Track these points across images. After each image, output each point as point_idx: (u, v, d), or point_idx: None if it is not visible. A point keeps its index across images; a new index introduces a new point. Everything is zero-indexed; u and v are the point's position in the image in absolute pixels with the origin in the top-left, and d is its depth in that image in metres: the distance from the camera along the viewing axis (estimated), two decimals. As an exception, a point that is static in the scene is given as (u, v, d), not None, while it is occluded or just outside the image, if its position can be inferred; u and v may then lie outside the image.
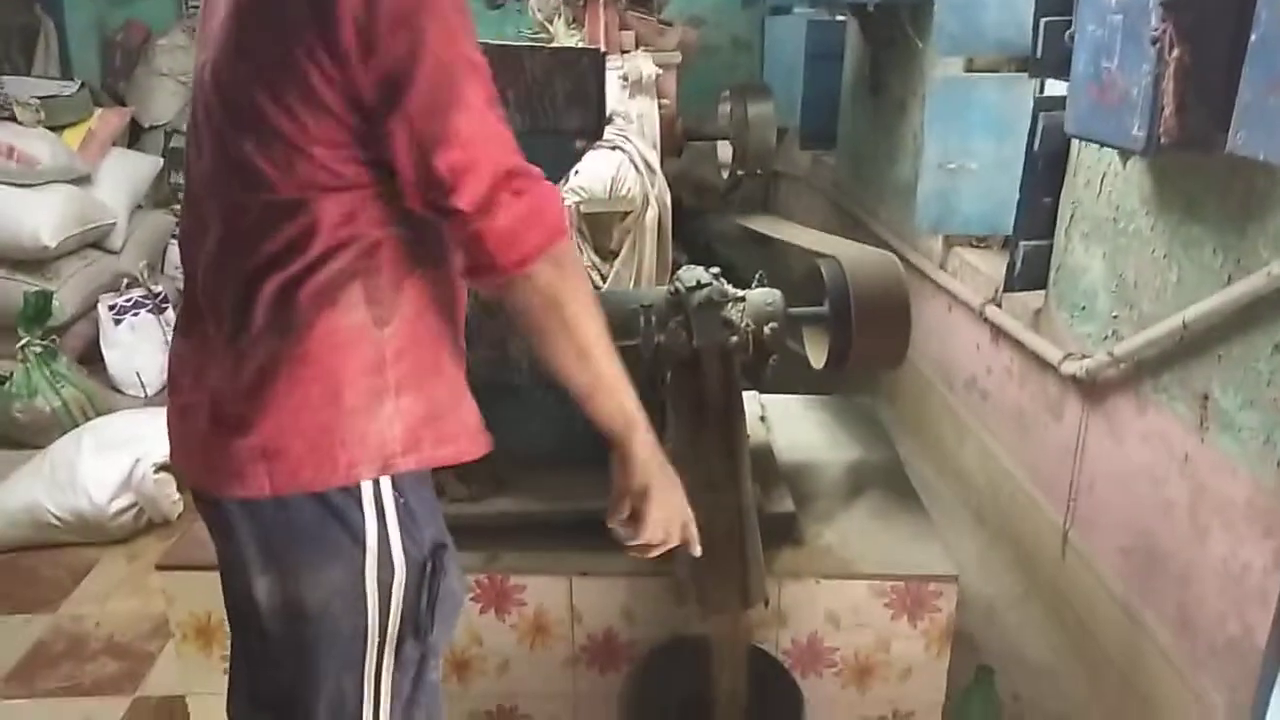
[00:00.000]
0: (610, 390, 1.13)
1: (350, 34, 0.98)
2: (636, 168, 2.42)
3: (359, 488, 1.09)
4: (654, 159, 2.55)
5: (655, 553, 1.25)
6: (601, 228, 2.38)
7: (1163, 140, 1.60)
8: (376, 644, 1.14)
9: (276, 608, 1.12)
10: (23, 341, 3.15)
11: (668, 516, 1.23)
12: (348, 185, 1.05)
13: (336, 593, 1.11)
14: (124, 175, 3.95)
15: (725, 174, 2.82)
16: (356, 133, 1.03)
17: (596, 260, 2.38)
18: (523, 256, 1.03)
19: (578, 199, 2.33)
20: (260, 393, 1.07)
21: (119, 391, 3.50)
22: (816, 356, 2.01)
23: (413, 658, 1.17)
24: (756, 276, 1.98)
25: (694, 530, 1.27)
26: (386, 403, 1.09)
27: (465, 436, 1.17)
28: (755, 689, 1.63)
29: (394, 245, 1.09)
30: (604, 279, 2.37)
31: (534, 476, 1.83)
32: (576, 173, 2.31)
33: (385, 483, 1.11)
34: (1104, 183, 2.15)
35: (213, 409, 1.10)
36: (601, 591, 1.73)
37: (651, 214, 2.46)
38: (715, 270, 1.87)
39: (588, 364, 1.10)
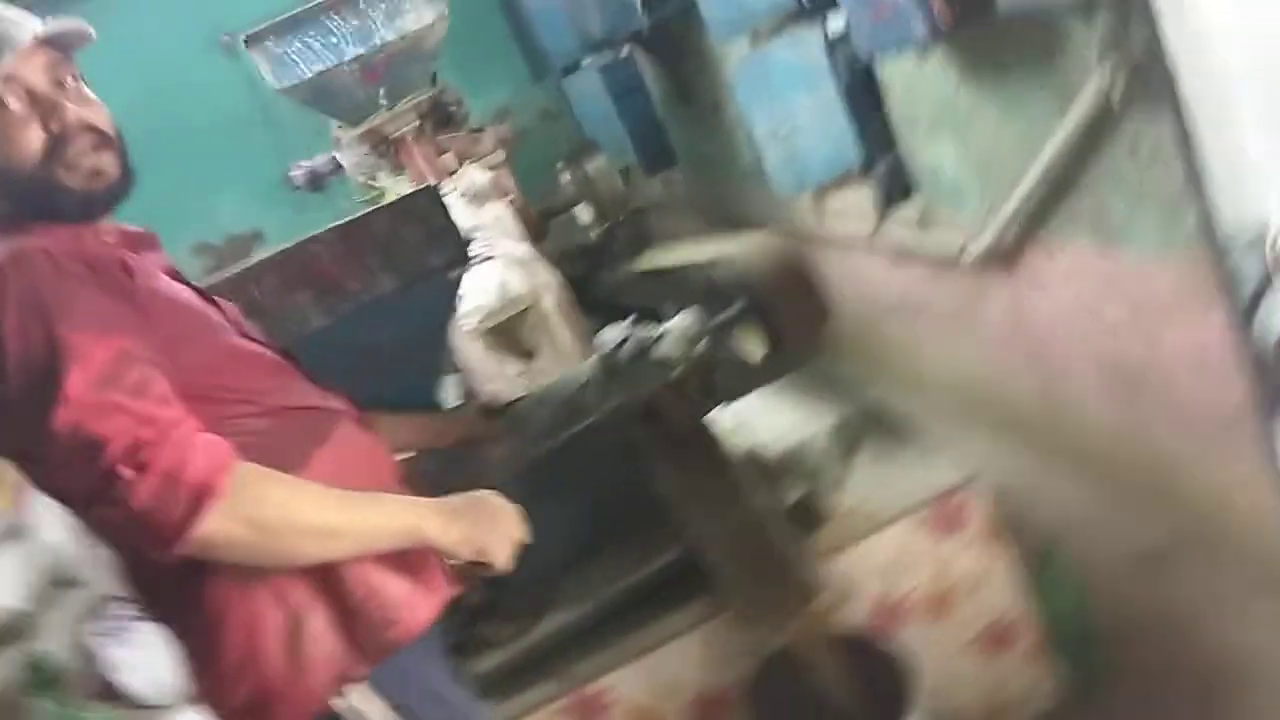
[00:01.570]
0: (375, 532, 1.17)
1: None
2: (514, 266, 2.48)
3: None
4: (525, 250, 2.61)
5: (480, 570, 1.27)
6: (510, 335, 2.42)
7: (943, 28, 1.72)
8: None
9: None
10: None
11: (498, 535, 1.27)
12: None
13: None
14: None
15: (594, 234, 2.90)
16: None
17: (519, 367, 2.42)
18: (182, 531, 1.02)
19: (477, 319, 2.37)
20: None
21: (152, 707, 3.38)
22: (756, 351, 2.07)
23: None
24: (671, 310, 2.05)
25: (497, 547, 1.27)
26: None
27: None
28: (862, 671, 1.64)
29: None
30: (527, 375, 2.41)
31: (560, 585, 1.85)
32: (461, 299, 2.36)
33: None
34: (916, 83, 2.27)
35: None
36: (681, 654, 1.74)
37: (549, 300, 2.51)
38: (630, 320, 1.94)
39: (338, 539, 1.14)
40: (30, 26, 1.13)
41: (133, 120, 1.31)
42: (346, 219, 1.73)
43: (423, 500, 1.23)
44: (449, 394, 2.48)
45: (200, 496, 1.02)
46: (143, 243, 1.30)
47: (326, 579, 1.17)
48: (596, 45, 3.62)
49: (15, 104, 1.11)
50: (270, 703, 1.16)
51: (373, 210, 1.78)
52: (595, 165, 2.80)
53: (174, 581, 1.13)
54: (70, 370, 1.01)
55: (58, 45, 1.14)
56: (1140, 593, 1.88)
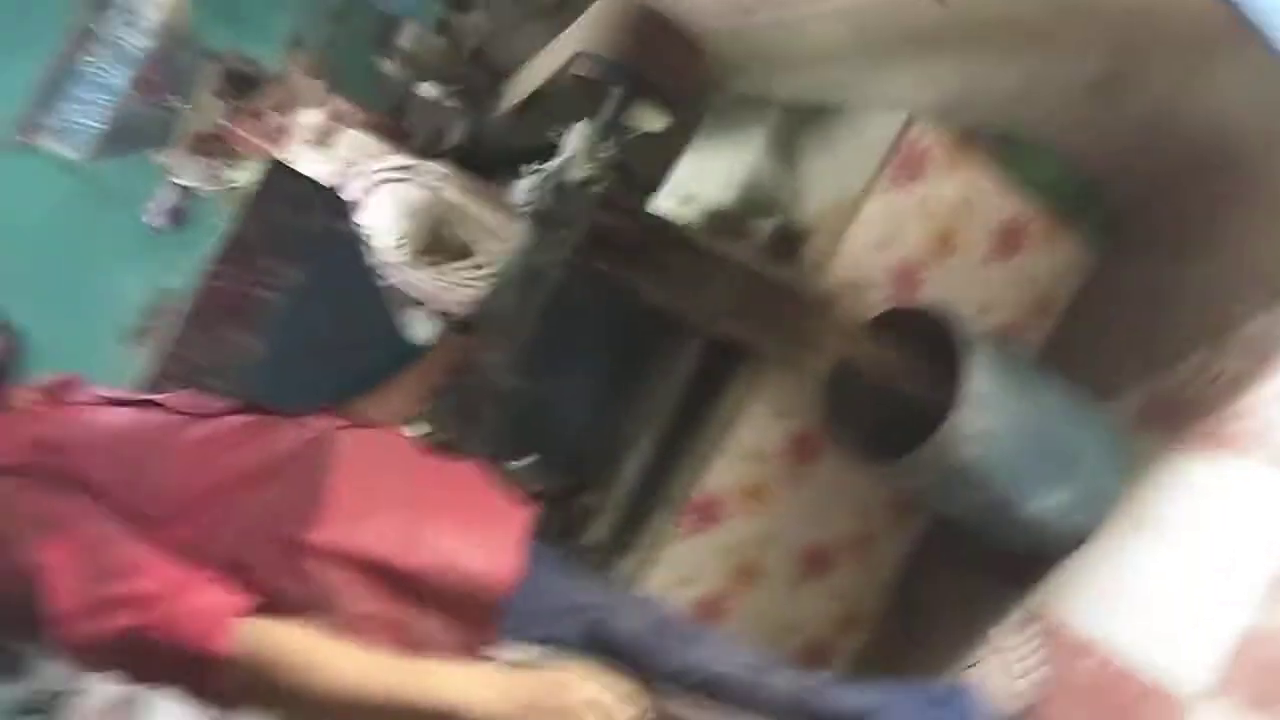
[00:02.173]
0: (408, 707, 1.05)
1: None
2: (399, 180, 2.38)
3: None
4: (399, 159, 2.50)
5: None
6: (439, 244, 2.36)
7: None
8: None
9: None
10: None
11: (570, 705, 1.09)
12: None
13: None
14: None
15: (449, 102, 2.76)
16: None
17: (465, 267, 2.37)
18: (218, 693, 1.03)
19: (401, 248, 2.31)
20: None
21: None
22: (657, 121, 2.00)
23: None
24: (561, 132, 1.96)
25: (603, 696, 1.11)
26: None
27: None
28: (916, 343, 1.66)
29: None
30: (476, 270, 2.36)
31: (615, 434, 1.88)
32: (370, 240, 2.29)
33: None
34: None
35: None
36: (752, 426, 1.77)
37: (451, 192, 2.42)
38: (532, 165, 1.87)
39: (367, 713, 1.05)
40: None
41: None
42: (219, 240, 1.66)
43: (476, 674, 1.11)
44: (422, 331, 2.45)
45: (201, 663, 1.01)
46: (65, 390, 1.26)
47: (403, 586, 1.18)
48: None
49: None
50: None
51: (236, 219, 1.70)
52: (408, 38, 2.63)
53: None
54: (48, 589, 1.00)
55: None
56: (1111, 119, 1.86)
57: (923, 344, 1.63)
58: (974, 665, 1.64)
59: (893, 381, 1.70)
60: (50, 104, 2.31)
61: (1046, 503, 1.60)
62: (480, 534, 1.26)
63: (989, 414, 1.52)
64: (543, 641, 1.26)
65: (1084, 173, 1.84)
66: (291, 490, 1.19)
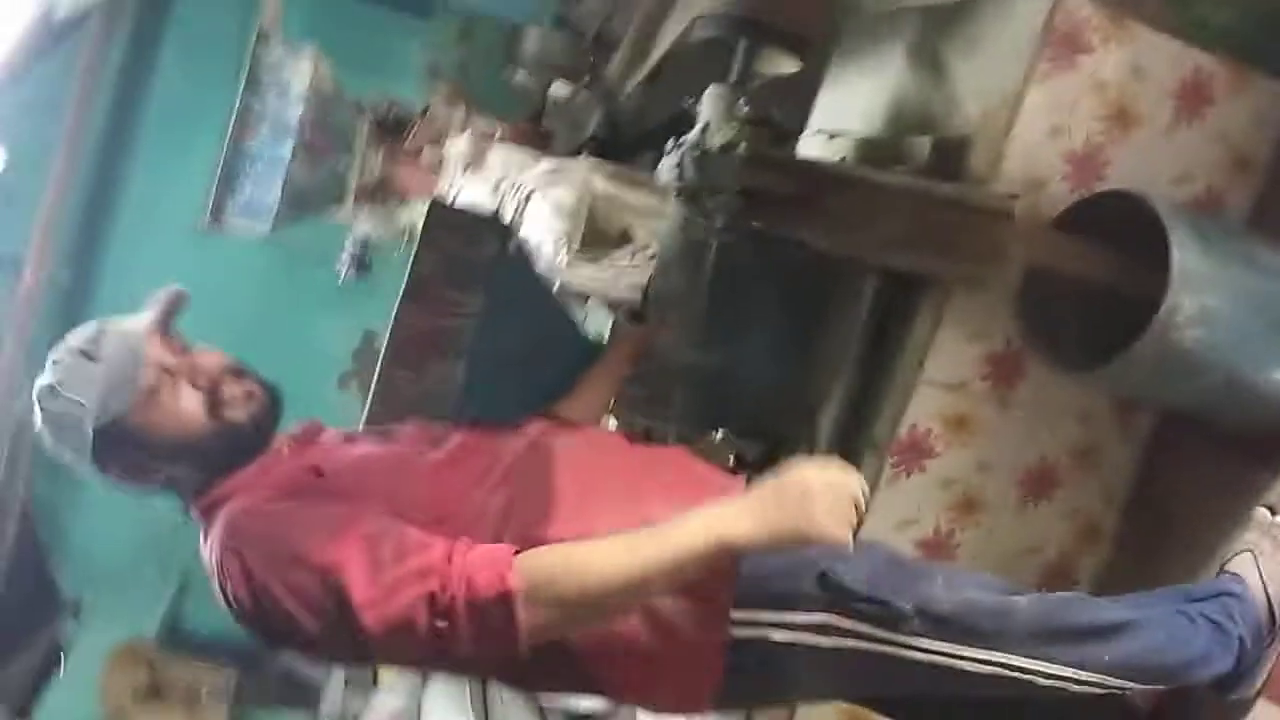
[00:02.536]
0: (678, 560, 1.09)
1: None
2: (549, 185, 2.44)
3: None
4: (546, 163, 2.56)
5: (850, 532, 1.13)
6: (598, 238, 2.40)
7: None
8: None
9: None
10: None
11: (820, 513, 1.11)
12: None
13: None
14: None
15: (580, 97, 2.80)
16: None
17: (626, 254, 2.40)
18: (512, 641, 1.07)
19: (564, 251, 2.37)
20: None
21: None
22: (789, 65, 1.96)
23: None
24: (695, 99, 1.96)
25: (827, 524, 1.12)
26: None
27: None
28: (1106, 233, 1.56)
29: None
30: (637, 255, 2.39)
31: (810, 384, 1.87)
32: (537, 251, 2.36)
33: None
34: None
35: None
36: (947, 351, 1.70)
37: (598, 183, 2.46)
38: (671, 142, 1.87)
39: (646, 582, 1.09)
40: (141, 321, 1.30)
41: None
42: (405, 280, 1.75)
43: (721, 507, 1.13)
44: (601, 324, 2.51)
45: (504, 605, 1.05)
46: (310, 434, 1.40)
47: None
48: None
49: (166, 385, 1.26)
50: (683, 674, 1.25)
51: (415, 253, 1.79)
52: (530, 44, 2.68)
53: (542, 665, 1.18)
54: (345, 583, 1.08)
55: (167, 318, 1.33)
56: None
57: (1119, 233, 1.53)
58: (1235, 556, 1.53)
59: (1091, 279, 1.60)
60: (229, 187, 2.53)
61: (1287, 373, 1.47)
62: (705, 498, 1.28)
63: (1205, 291, 1.41)
64: (779, 599, 1.27)
65: (1261, 4, 1.65)
66: (521, 494, 1.27)
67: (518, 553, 1.10)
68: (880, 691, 1.41)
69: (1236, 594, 1.44)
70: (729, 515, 1.11)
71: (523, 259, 1.89)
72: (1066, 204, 1.64)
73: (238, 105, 2.49)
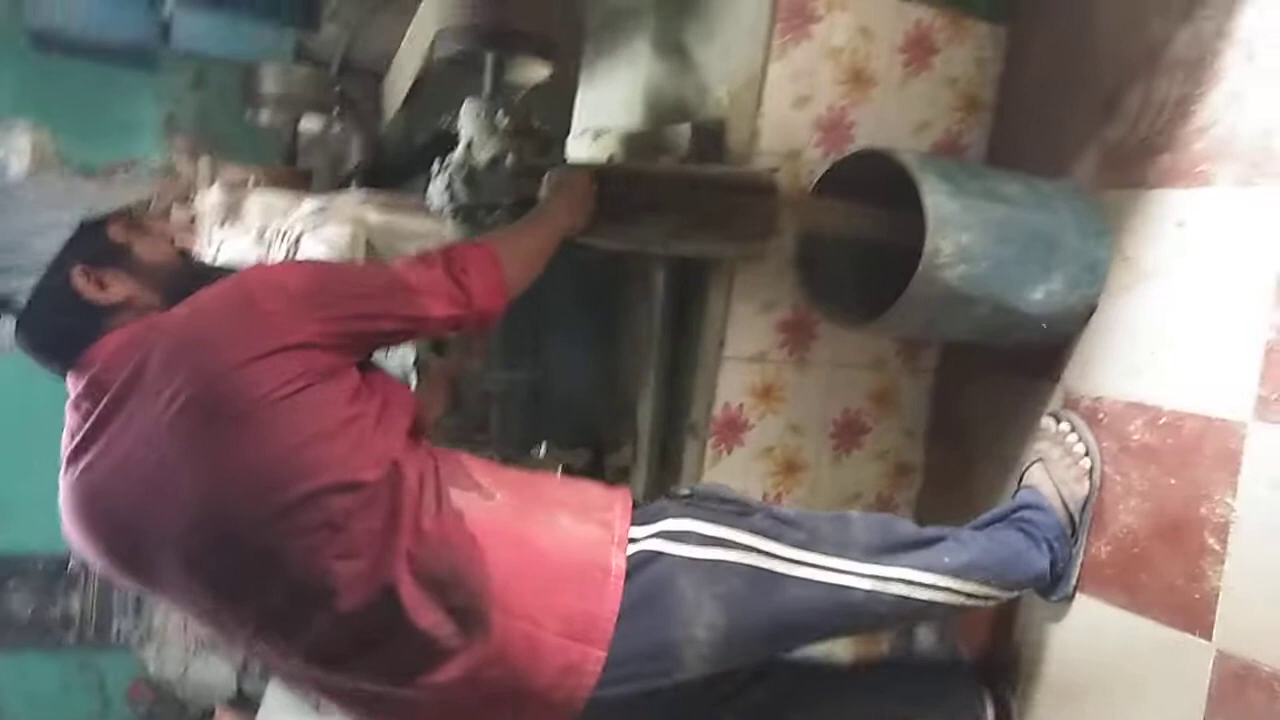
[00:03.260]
0: (551, 242, 1.51)
1: None
2: (316, 225, 2.34)
3: None
4: (310, 203, 2.45)
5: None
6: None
7: None
8: None
9: None
10: None
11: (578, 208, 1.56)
12: None
13: None
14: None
15: (333, 129, 2.71)
16: None
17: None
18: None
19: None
20: None
21: None
22: (542, 68, 1.96)
23: None
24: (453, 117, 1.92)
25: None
26: None
27: None
28: (866, 191, 1.64)
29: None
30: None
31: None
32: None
33: None
34: None
35: None
36: (740, 325, 1.76)
37: (371, 215, 2.36)
38: (437, 164, 1.83)
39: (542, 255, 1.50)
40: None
41: None
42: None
43: (542, 211, 1.55)
44: (404, 360, 2.43)
45: (499, 268, 1.36)
46: None
47: (528, 490, 1.32)
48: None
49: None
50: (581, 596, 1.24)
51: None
52: (269, 83, 2.56)
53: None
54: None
55: None
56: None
57: (877, 187, 1.61)
58: (1029, 467, 1.66)
59: (857, 235, 1.68)
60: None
61: (1043, 292, 1.60)
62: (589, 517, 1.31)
63: (959, 231, 1.51)
64: (650, 516, 1.34)
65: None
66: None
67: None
68: (761, 623, 1.34)
69: (1034, 503, 1.56)
70: (554, 213, 1.54)
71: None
72: (823, 169, 1.71)
73: (-53, 196, 2.24)
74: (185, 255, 1.33)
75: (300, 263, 1.34)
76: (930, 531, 1.46)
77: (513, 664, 1.18)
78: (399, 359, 2.62)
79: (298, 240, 2.28)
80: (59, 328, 1.20)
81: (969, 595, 1.43)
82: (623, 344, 1.89)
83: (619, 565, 1.24)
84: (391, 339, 1.32)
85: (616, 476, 1.82)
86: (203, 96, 4.09)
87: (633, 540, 1.29)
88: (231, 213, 2.41)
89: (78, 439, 1.18)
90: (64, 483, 1.20)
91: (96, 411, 1.16)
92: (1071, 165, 1.73)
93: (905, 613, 1.42)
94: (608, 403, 1.88)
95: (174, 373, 1.11)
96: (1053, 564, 1.54)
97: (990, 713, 1.66)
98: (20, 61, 3.63)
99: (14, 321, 1.19)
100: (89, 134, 3.49)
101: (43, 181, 1.30)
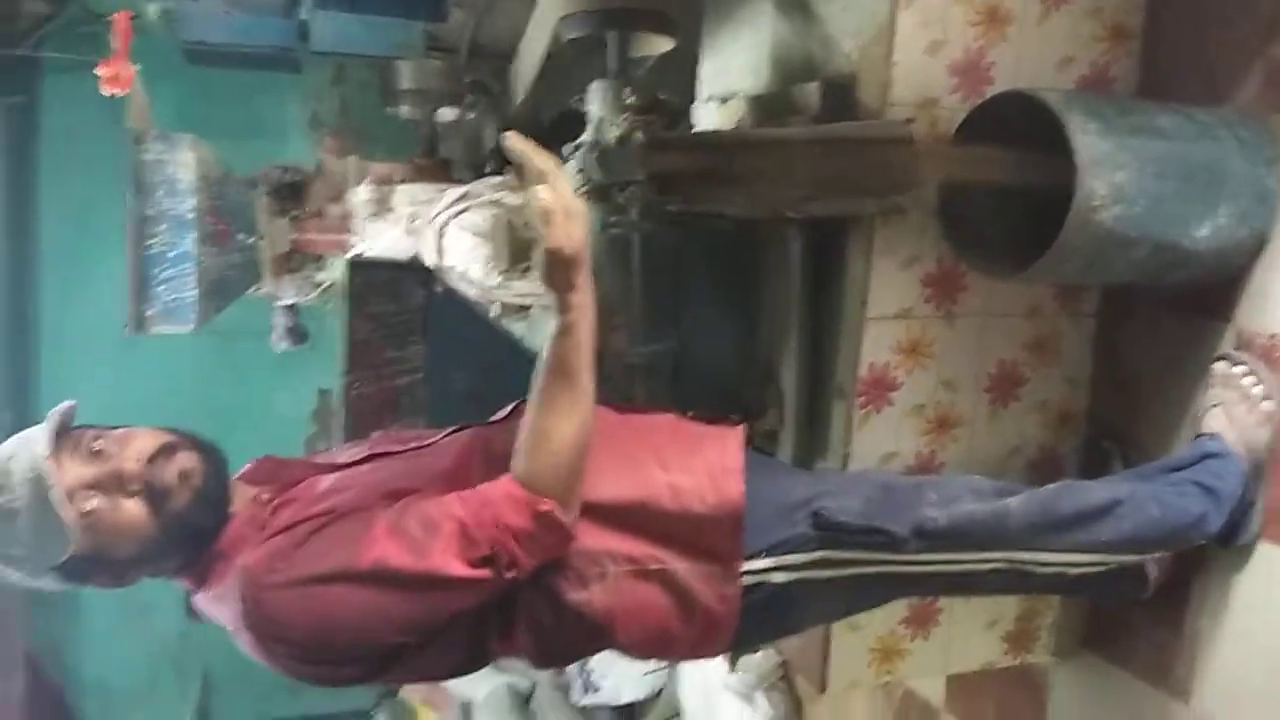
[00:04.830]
0: (581, 374, 1.23)
1: None
2: (455, 216, 2.41)
3: None
4: (453, 192, 2.53)
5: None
6: (523, 253, 2.39)
7: None
8: None
9: None
10: None
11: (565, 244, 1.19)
12: None
13: None
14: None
15: (469, 115, 2.78)
16: None
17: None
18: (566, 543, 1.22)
19: (495, 275, 2.35)
20: None
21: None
22: (665, 41, 1.96)
23: None
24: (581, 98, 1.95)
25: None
26: None
27: None
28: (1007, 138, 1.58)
29: None
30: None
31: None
32: (462, 281, 2.34)
33: None
34: None
35: None
36: (883, 283, 1.73)
37: (509, 197, 2.44)
38: (570, 147, 1.86)
39: (583, 409, 1.23)
40: (39, 444, 1.20)
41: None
42: (343, 355, 1.74)
43: (569, 328, 1.22)
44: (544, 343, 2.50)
45: (544, 521, 1.17)
46: (275, 475, 1.37)
47: (645, 523, 1.28)
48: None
49: (97, 505, 1.20)
50: (702, 629, 1.30)
51: (346, 331, 1.78)
52: (405, 79, 2.64)
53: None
54: (394, 574, 1.12)
55: (64, 434, 1.23)
56: None
57: (1022, 129, 1.54)
58: (1206, 413, 1.58)
59: (1003, 182, 1.62)
60: (143, 295, 2.45)
61: (1209, 227, 1.51)
62: (700, 461, 1.32)
63: (1113, 170, 1.44)
64: (776, 546, 1.31)
65: None
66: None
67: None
68: (888, 602, 1.52)
69: (1215, 453, 1.49)
70: (559, 321, 1.22)
71: (450, 297, 1.87)
72: (962, 115, 1.65)
73: (129, 213, 2.42)
74: (152, 511, 1.23)
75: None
76: (1099, 499, 1.41)
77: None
78: (544, 334, 2.70)
79: (443, 229, 2.37)
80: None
81: (1126, 558, 1.40)
82: (763, 309, 1.89)
83: (734, 593, 1.28)
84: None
85: (764, 441, 1.83)
86: (343, 92, 4.28)
87: (761, 571, 1.30)
88: (381, 207, 2.51)
89: None
90: None
91: None
92: (1233, 90, 1.61)
93: (1052, 584, 1.39)
94: (751, 368, 1.89)
95: None
96: (1232, 513, 1.47)
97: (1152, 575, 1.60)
98: (177, 77, 3.88)
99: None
100: (244, 138, 3.71)
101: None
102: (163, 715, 4.83)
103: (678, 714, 3.75)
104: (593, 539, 1.25)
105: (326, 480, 1.32)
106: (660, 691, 3.88)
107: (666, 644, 1.31)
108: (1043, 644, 1.95)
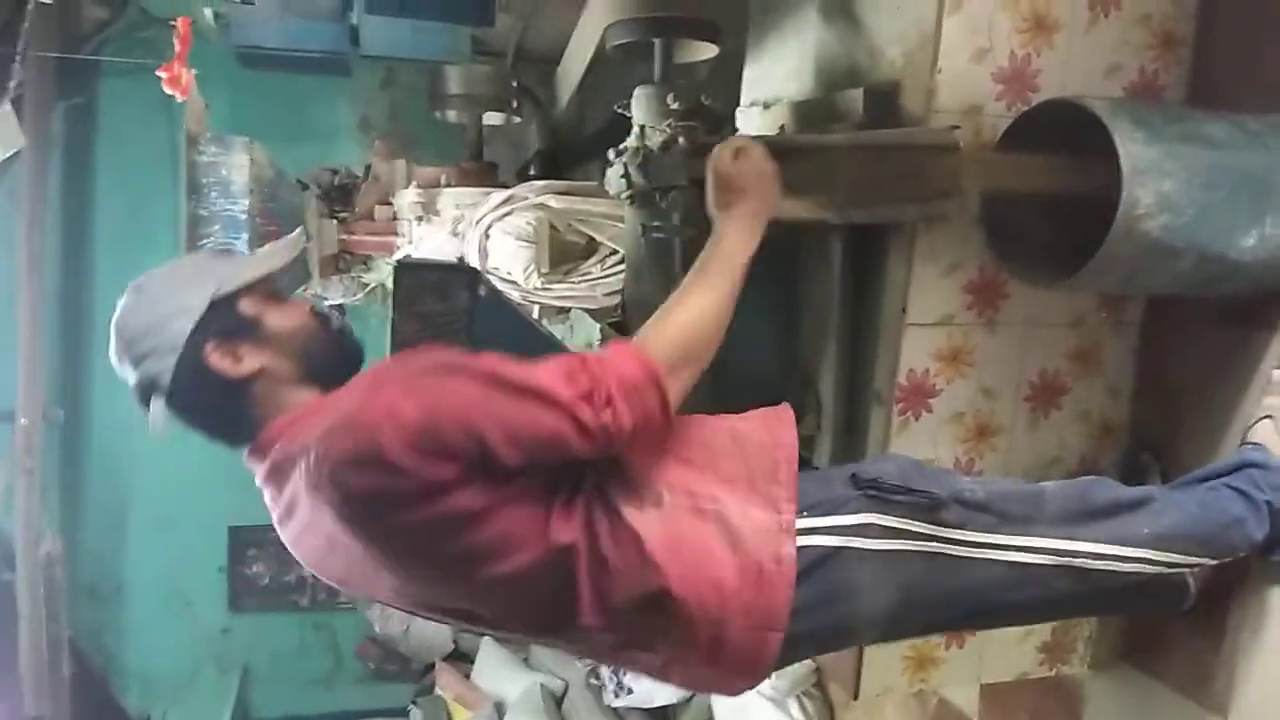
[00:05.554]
0: (727, 286, 1.32)
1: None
2: (505, 216, 2.45)
3: None
4: (497, 195, 2.57)
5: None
6: (563, 256, 2.42)
7: None
8: None
9: None
10: None
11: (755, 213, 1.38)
12: None
13: None
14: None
15: (515, 120, 2.83)
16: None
17: (595, 265, 2.42)
18: (666, 410, 1.21)
19: (535, 278, 2.39)
20: None
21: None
22: (709, 47, 1.98)
23: None
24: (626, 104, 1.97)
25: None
26: None
27: None
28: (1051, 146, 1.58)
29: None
30: (607, 261, 2.41)
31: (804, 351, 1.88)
32: (507, 283, 2.37)
33: None
34: None
35: None
36: (924, 287, 1.73)
37: (552, 201, 2.47)
38: (612, 153, 1.88)
39: (719, 313, 1.31)
40: (270, 256, 1.38)
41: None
42: (391, 348, 1.76)
43: (721, 240, 1.36)
44: (589, 334, 2.53)
45: (651, 380, 1.18)
46: None
47: (702, 462, 1.28)
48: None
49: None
50: (759, 589, 1.24)
51: (392, 322, 1.80)
52: (453, 84, 2.69)
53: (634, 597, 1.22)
54: (506, 378, 1.14)
55: None
56: None
57: (1067, 137, 1.54)
58: (1255, 423, 1.56)
59: (1047, 190, 1.62)
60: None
61: (1256, 238, 1.49)
62: (756, 414, 1.39)
63: (1159, 179, 1.43)
64: (821, 504, 1.30)
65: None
66: None
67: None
68: (939, 602, 1.37)
69: (1258, 462, 1.47)
70: (731, 238, 1.35)
71: (496, 298, 1.90)
72: (1007, 122, 1.65)
73: (184, 214, 2.49)
74: (319, 318, 1.34)
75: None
76: (1134, 493, 1.40)
77: (700, 653, 1.25)
78: (583, 336, 2.73)
79: (488, 232, 2.41)
80: (202, 406, 1.27)
81: (1169, 565, 1.38)
82: (803, 313, 1.89)
83: (789, 554, 1.24)
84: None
85: (803, 445, 1.83)
86: (392, 95, 4.36)
87: (809, 532, 1.28)
88: (427, 209, 2.56)
89: (278, 511, 1.28)
90: (283, 536, 1.30)
91: (283, 500, 1.25)
92: (1284, 99, 1.60)
93: (1103, 586, 1.37)
94: (791, 373, 1.90)
95: (322, 504, 1.14)
96: (1273, 523, 1.45)
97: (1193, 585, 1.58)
98: (231, 81, 3.97)
99: (163, 402, 1.25)
100: (295, 141, 3.79)
101: (176, 266, 1.34)
102: (203, 707, 4.91)
103: (710, 718, 3.75)
104: (654, 468, 1.26)
105: None
106: (692, 696, 3.89)
107: (721, 600, 1.23)
108: (1079, 655, 1.94)
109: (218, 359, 1.24)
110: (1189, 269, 1.51)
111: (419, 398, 1.10)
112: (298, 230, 1.40)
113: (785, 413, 1.39)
